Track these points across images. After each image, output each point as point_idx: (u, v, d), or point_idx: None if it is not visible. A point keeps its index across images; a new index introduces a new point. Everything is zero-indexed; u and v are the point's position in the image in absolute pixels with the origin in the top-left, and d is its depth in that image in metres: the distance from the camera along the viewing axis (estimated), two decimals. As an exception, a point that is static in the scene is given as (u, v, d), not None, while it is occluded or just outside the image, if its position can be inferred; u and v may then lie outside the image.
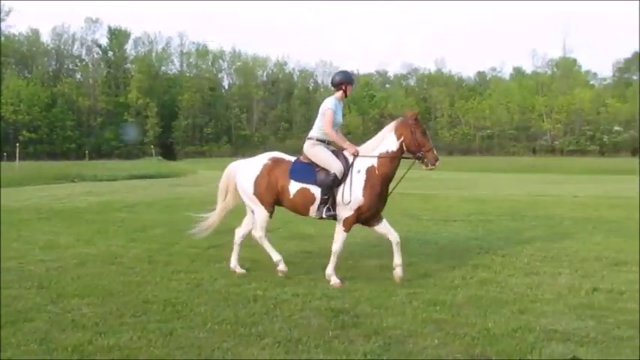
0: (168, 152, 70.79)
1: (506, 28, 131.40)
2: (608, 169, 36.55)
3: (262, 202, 6.61)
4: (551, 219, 11.50)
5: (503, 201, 15.36)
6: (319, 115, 6.63)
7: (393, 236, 6.41)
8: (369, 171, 6.37)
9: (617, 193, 18.16)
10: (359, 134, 63.53)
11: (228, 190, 7.04)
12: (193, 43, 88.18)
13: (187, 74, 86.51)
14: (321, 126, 6.56)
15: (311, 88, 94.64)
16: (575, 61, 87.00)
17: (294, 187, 6.48)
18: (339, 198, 6.33)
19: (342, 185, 6.33)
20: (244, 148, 70.75)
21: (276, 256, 6.68)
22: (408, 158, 6.48)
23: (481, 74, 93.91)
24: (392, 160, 6.40)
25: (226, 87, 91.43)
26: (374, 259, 7.43)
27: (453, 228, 9.90)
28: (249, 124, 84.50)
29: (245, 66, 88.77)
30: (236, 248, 6.88)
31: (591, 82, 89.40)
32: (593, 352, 4.10)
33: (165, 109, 79.21)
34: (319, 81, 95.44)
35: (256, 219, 6.71)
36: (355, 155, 6.46)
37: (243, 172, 6.78)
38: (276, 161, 6.69)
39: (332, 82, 6.77)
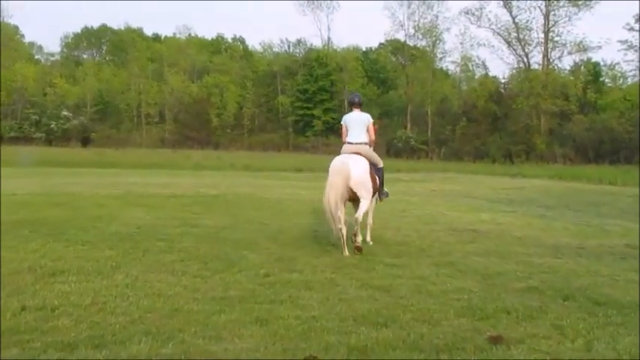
0: None
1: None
2: (59, 162, 34.26)
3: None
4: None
5: None
6: (363, 125, 8.70)
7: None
8: None
9: (61, 189, 17.32)
10: None
11: (343, 186, 8.04)
12: None
13: None
14: (368, 134, 8.79)
15: None
16: (17, 28, 72.53)
17: (374, 178, 8.54)
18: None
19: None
20: None
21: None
22: None
23: None
24: None
25: None
26: None
27: None
28: None
29: None
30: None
31: (37, 57, 77.68)
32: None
33: None
34: None
35: (367, 205, 8.30)
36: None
37: (362, 169, 8.19)
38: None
39: (353, 102, 8.93)
